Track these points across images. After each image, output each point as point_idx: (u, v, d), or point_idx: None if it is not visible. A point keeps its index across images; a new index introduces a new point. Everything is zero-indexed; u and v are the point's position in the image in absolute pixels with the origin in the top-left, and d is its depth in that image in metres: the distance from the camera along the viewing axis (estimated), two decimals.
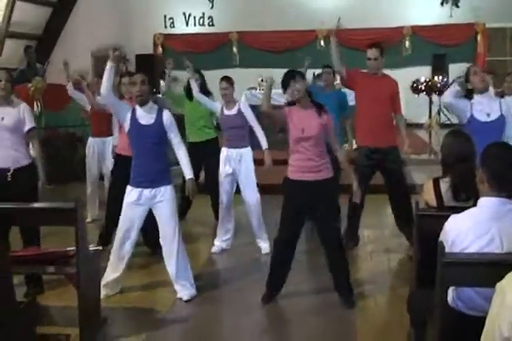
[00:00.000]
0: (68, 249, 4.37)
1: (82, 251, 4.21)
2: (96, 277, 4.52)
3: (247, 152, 6.13)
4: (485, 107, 5.19)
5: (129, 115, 4.77)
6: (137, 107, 4.80)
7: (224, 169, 6.15)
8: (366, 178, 5.88)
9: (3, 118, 5.02)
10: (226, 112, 6.12)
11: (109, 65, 4.64)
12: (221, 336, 4.48)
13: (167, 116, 4.81)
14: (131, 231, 4.89)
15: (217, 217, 7.39)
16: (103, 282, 4.86)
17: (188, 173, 4.87)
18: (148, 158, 4.76)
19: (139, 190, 4.78)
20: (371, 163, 5.92)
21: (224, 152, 6.18)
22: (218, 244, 6.27)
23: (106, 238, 6.17)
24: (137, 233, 4.97)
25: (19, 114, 5.08)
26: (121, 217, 4.89)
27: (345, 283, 4.83)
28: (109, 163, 7.22)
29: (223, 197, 6.18)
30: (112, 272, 4.99)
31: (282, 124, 4.78)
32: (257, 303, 4.93)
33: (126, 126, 4.79)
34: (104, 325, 4.49)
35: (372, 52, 5.88)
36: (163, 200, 4.80)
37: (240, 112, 6.07)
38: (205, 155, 6.94)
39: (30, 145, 5.41)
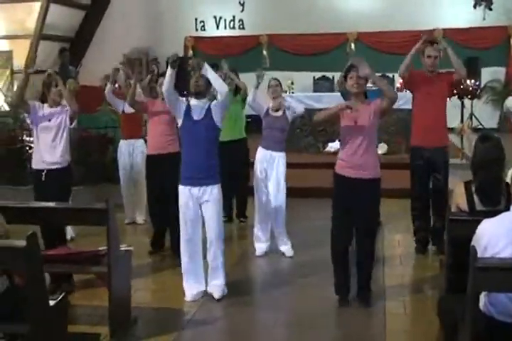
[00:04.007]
0: (100, 248, 4.42)
1: (114, 250, 4.26)
2: (127, 277, 4.55)
3: (282, 156, 6.12)
4: None
5: (183, 111, 4.89)
6: (192, 101, 4.92)
7: (260, 169, 6.14)
8: (424, 178, 6.03)
9: (50, 120, 5.25)
10: (272, 113, 6.12)
11: (170, 71, 4.84)
12: (250, 337, 4.48)
13: (214, 103, 4.89)
14: (195, 230, 4.96)
15: (239, 218, 7.47)
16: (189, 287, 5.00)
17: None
18: (198, 154, 4.83)
19: (188, 188, 4.87)
20: (425, 163, 5.97)
21: (260, 152, 6.18)
22: (260, 246, 6.22)
23: (157, 241, 6.33)
24: (200, 230, 5.00)
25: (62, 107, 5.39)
26: (180, 220, 4.97)
27: (364, 283, 4.84)
28: (138, 165, 7.31)
29: (261, 198, 6.15)
30: (191, 280, 5.03)
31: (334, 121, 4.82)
32: (286, 306, 4.97)
33: (180, 122, 4.92)
34: (134, 324, 4.53)
35: (433, 50, 5.93)
36: (209, 200, 4.87)
37: (284, 114, 6.10)
38: (235, 155, 6.93)
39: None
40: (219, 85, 4.86)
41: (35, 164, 5.41)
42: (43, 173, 5.30)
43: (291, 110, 6.14)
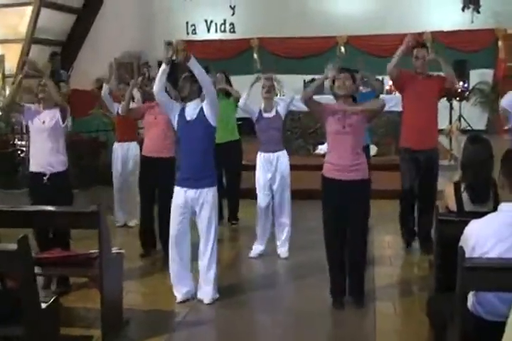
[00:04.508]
0: (91, 251, 4.41)
1: (105, 253, 4.25)
2: (118, 279, 4.54)
3: (283, 154, 6.13)
4: None
5: (177, 113, 4.91)
6: (186, 105, 4.93)
7: (262, 174, 6.12)
8: (412, 179, 6.05)
9: (44, 122, 5.21)
10: (265, 115, 6.11)
11: (162, 67, 4.84)
12: (242, 338, 4.45)
13: (205, 102, 4.87)
14: (186, 232, 4.96)
15: (231, 220, 7.45)
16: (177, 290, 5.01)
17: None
18: (194, 153, 4.84)
19: (184, 190, 4.86)
20: (415, 164, 6.02)
21: (260, 156, 6.15)
22: (256, 247, 6.21)
23: (148, 243, 6.32)
24: (189, 232, 4.99)
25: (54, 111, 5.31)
26: (171, 221, 4.96)
27: (357, 284, 4.84)
28: (131, 168, 7.32)
29: (262, 203, 6.13)
30: (179, 279, 5.03)
31: (318, 117, 4.83)
32: (279, 306, 4.98)
33: (175, 124, 4.94)
34: (126, 326, 4.52)
35: (422, 51, 5.95)
36: (204, 203, 4.87)
37: (277, 113, 6.09)
38: (228, 157, 6.94)
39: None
40: (203, 79, 4.72)
41: (34, 167, 5.35)
42: (45, 177, 5.25)
43: (282, 105, 6.14)
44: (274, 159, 6.09)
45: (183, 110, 4.92)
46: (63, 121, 5.35)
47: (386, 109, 8.02)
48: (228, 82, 7.16)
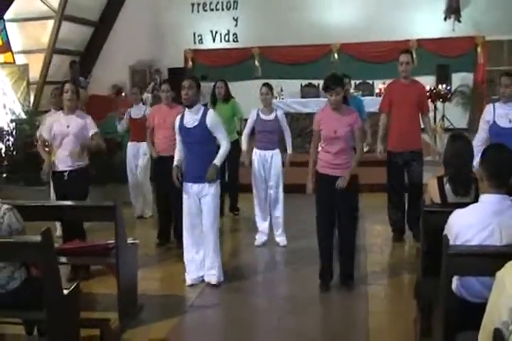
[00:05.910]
0: (108, 242, 4.40)
1: (121, 243, 4.25)
2: (133, 267, 4.54)
3: (276, 153, 6.13)
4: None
5: (178, 122, 4.96)
6: (185, 112, 4.93)
7: (257, 169, 6.13)
8: (400, 176, 6.05)
9: (68, 126, 5.18)
10: (263, 117, 6.10)
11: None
12: (244, 320, 4.44)
13: (210, 117, 4.87)
14: (195, 221, 4.97)
15: (233, 211, 7.46)
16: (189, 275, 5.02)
17: (216, 161, 4.88)
18: (196, 157, 4.88)
19: (190, 184, 4.91)
20: (401, 164, 6.00)
21: (256, 153, 6.16)
22: (259, 237, 6.23)
23: (163, 234, 6.30)
24: (201, 221, 4.98)
25: (84, 121, 5.29)
26: (183, 213, 4.99)
27: (347, 268, 4.87)
28: (142, 165, 7.37)
29: (260, 194, 6.15)
30: (190, 264, 5.04)
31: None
32: (278, 291, 4.98)
33: (177, 132, 4.98)
34: (140, 310, 4.51)
35: (405, 56, 5.93)
36: (208, 194, 4.89)
37: (276, 118, 6.07)
38: (228, 155, 6.92)
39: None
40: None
41: (58, 167, 5.30)
42: (65, 173, 5.23)
43: (281, 113, 6.14)
44: (268, 157, 6.11)
45: (182, 118, 4.93)
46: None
47: (376, 110, 8.03)
48: (227, 89, 7.14)
